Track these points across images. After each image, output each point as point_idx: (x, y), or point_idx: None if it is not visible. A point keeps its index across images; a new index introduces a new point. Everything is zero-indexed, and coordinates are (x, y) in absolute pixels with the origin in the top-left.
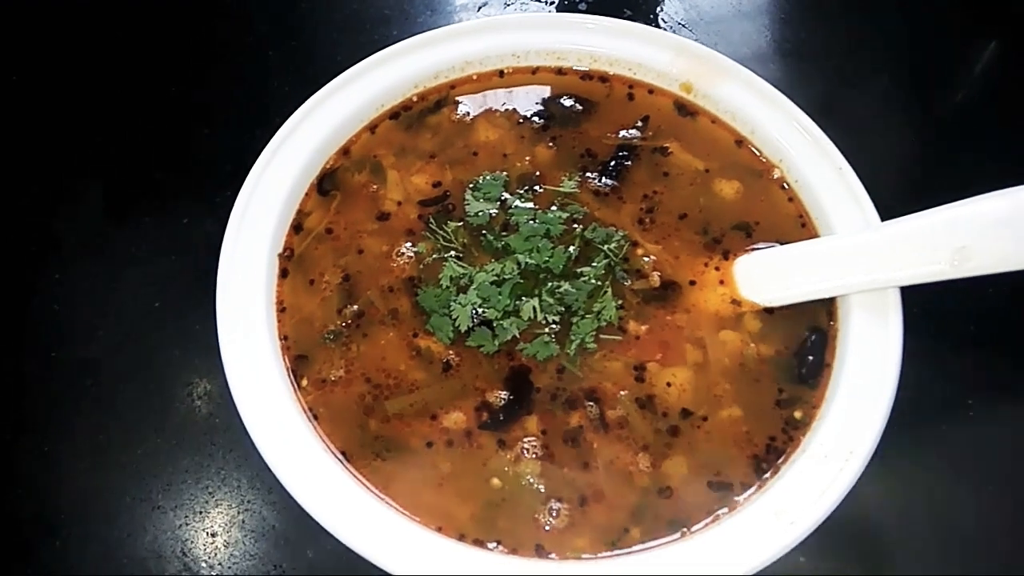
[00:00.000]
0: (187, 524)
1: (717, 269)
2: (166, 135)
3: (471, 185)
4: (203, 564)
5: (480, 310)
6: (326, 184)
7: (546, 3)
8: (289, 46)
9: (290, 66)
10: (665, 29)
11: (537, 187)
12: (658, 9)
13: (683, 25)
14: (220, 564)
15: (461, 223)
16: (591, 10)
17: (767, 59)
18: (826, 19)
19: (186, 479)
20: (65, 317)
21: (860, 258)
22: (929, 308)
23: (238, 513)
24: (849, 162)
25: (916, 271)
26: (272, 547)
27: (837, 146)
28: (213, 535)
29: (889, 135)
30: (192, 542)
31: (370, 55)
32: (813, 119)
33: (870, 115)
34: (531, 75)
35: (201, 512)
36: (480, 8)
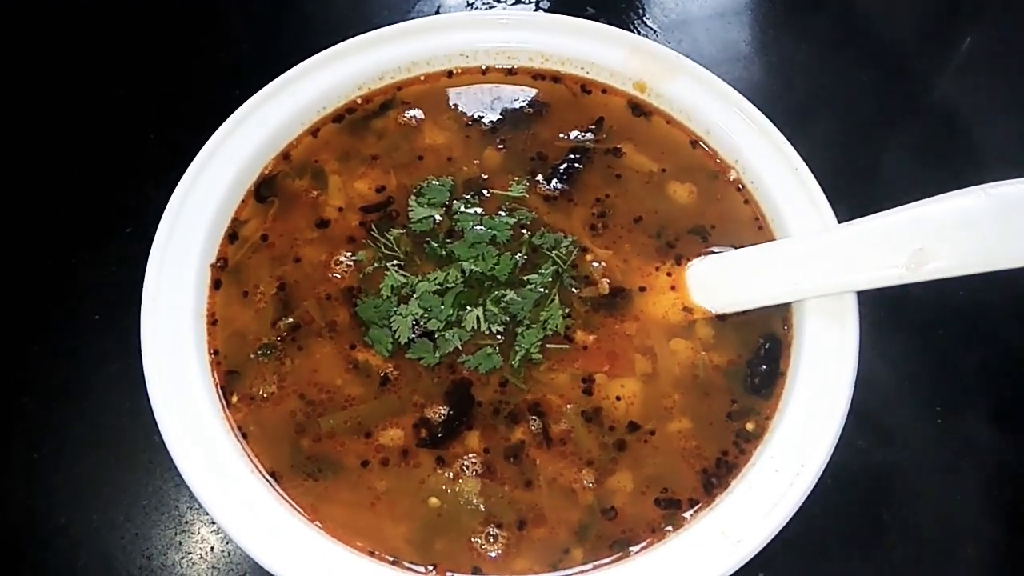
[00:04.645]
0: (123, 546)
1: (669, 275)
2: (112, 139)
3: (415, 190)
4: None
5: (421, 321)
6: (264, 190)
7: (507, 5)
8: (240, 48)
9: (241, 68)
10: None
11: (484, 191)
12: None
13: (650, 26)
14: None
15: (404, 230)
16: (552, 9)
17: (733, 60)
18: (795, 17)
19: (123, 499)
20: None
21: (814, 262)
22: (894, 311)
23: (175, 535)
24: (809, 162)
25: (872, 275)
26: (209, 569)
27: (796, 146)
28: (149, 558)
29: (852, 135)
30: (128, 564)
31: None
32: (774, 120)
33: (833, 115)
34: (481, 75)
35: (138, 534)
36: (438, 8)
